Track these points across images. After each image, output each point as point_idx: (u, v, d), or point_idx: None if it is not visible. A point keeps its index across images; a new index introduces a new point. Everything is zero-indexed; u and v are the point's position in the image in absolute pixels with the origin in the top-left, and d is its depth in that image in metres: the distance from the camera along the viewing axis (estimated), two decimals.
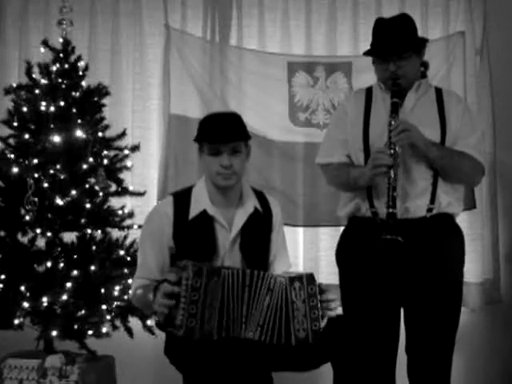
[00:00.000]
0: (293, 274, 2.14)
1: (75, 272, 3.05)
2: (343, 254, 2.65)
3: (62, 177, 3.12)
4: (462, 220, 2.67)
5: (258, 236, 2.35)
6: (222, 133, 2.23)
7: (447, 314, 2.52)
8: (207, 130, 2.27)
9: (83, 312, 3.04)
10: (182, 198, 2.33)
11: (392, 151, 2.40)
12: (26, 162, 3.13)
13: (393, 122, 2.44)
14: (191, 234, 2.28)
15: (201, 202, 2.31)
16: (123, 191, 3.34)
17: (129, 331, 3.19)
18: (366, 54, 2.59)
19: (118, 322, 3.17)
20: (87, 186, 3.19)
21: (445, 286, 2.49)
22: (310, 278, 2.07)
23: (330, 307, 2.10)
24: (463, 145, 2.52)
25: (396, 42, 2.48)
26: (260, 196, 2.42)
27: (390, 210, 2.38)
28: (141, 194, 3.43)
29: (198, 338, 1.99)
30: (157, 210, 2.37)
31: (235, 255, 2.30)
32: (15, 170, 3.10)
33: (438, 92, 2.62)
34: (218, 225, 2.30)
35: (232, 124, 2.26)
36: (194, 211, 2.30)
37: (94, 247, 3.19)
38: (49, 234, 3.10)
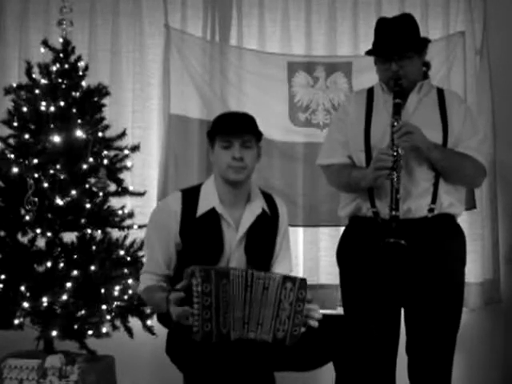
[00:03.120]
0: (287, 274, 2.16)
1: (75, 272, 3.05)
2: (344, 253, 2.64)
3: (62, 177, 3.11)
4: (462, 220, 2.67)
5: (263, 238, 2.35)
6: (233, 125, 2.28)
7: (448, 314, 2.51)
8: (219, 124, 2.32)
9: (83, 312, 3.04)
10: (190, 195, 2.34)
11: (395, 153, 2.40)
12: (26, 162, 3.13)
13: (395, 124, 2.43)
14: (198, 232, 2.28)
15: (210, 199, 2.32)
16: (123, 191, 3.34)
17: (129, 331, 3.18)
18: (368, 53, 2.58)
19: (118, 322, 3.17)
20: (87, 186, 3.19)
21: (446, 286, 2.49)
22: (303, 283, 2.09)
23: (313, 316, 2.12)
24: (465, 146, 2.52)
25: (398, 42, 2.47)
26: (268, 198, 2.43)
27: (393, 213, 2.37)
28: (141, 194, 3.43)
29: (216, 341, 2.01)
30: (164, 205, 2.38)
31: (241, 255, 2.30)
32: (15, 169, 3.10)
33: (440, 93, 2.61)
34: (225, 223, 2.30)
35: (244, 119, 2.32)
36: (202, 208, 2.31)
37: (94, 247, 3.19)
38: (49, 234, 3.09)
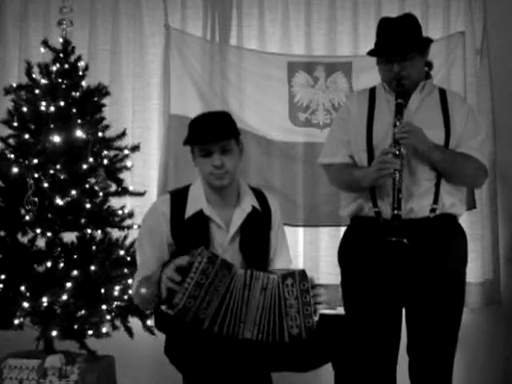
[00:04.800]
0: (285, 270, 2.14)
1: (75, 272, 3.05)
2: (346, 253, 2.64)
3: (62, 177, 3.12)
4: (462, 220, 2.67)
5: (256, 235, 2.34)
6: (209, 133, 2.22)
7: (449, 314, 2.51)
8: (195, 132, 2.26)
9: (83, 312, 3.04)
10: (178, 197, 2.33)
11: (397, 152, 2.40)
12: (26, 162, 3.13)
13: (397, 124, 2.43)
14: (187, 234, 2.27)
15: (197, 201, 2.31)
16: (123, 191, 3.34)
17: (129, 331, 3.19)
18: (370, 54, 2.57)
19: (118, 322, 3.17)
20: (87, 186, 3.19)
21: (447, 286, 2.49)
22: (302, 274, 2.08)
23: (319, 301, 2.12)
24: (467, 146, 2.51)
25: (400, 43, 2.46)
26: (259, 195, 2.41)
27: (395, 212, 2.37)
28: (141, 194, 3.43)
29: (189, 321, 2.00)
30: (154, 208, 2.36)
31: (234, 255, 2.29)
32: (15, 170, 3.10)
33: (442, 93, 2.61)
34: (214, 225, 2.29)
35: (219, 123, 2.25)
36: (190, 211, 2.29)
37: (94, 247, 3.19)
38: (49, 234, 3.10)
